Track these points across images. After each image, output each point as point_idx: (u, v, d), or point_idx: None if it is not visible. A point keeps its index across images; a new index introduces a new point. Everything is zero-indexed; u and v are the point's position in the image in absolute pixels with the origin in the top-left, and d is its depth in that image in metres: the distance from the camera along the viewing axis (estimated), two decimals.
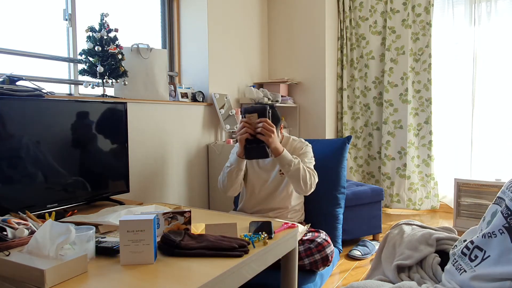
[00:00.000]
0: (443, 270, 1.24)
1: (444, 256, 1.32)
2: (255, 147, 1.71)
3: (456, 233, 1.43)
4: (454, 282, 1.11)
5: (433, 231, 1.39)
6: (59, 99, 1.95)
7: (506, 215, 1.03)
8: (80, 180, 1.75)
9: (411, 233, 1.39)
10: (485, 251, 1.05)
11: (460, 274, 1.09)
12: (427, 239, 1.34)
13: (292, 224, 1.46)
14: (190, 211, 1.28)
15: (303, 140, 2.02)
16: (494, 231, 1.05)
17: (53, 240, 1.02)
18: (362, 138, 3.93)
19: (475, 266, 1.06)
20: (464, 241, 1.17)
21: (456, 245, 1.22)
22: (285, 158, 1.75)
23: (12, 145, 1.48)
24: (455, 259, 1.14)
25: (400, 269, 1.29)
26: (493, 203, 1.14)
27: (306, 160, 1.89)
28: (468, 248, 1.10)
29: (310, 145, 2.00)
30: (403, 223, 1.47)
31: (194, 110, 2.91)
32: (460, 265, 1.11)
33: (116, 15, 2.55)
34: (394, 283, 1.20)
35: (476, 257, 1.07)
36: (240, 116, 3.19)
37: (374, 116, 3.85)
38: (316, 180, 1.84)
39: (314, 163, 1.95)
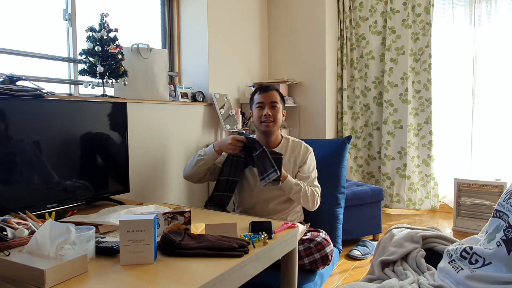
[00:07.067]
0: (434, 266, 1.26)
1: (433, 254, 1.34)
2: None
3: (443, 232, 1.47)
4: (449, 280, 1.11)
5: (420, 230, 1.43)
6: (59, 99, 1.95)
7: (505, 227, 1.04)
8: (80, 180, 1.75)
9: (399, 234, 1.42)
10: (484, 259, 1.05)
11: (457, 272, 1.09)
12: (412, 237, 1.38)
13: (292, 224, 1.46)
14: (190, 211, 1.28)
15: (306, 144, 1.99)
16: (492, 244, 1.06)
17: (53, 240, 1.02)
18: (362, 138, 3.93)
19: (474, 268, 1.07)
20: (463, 244, 1.18)
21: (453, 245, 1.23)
22: (287, 185, 1.82)
23: (12, 145, 1.48)
24: (453, 260, 1.14)
25: (385, 264, 1.33)
26: (493, 217, 1.13)
27: (312, 176, 1.92)
28: (467, 253, 1.11)
29: (312, 150, 1.99)
30: (393, 228, 1.50)
31: (194, 110, 2.91)
32: (459, 265, 1.11)
33: (116, 15, 2.55)
34: (382, 279, 1.22)
35: (476, 261, 1.07)
36: (240, 116, 3.21)
37: (374, 116, 3.85)
38: (319, 200, 1.90)
39: (316, 173, 1.97)
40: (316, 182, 1.92)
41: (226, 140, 1.81)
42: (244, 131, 3.11)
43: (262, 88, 1.96)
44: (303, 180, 1.87)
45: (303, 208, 2.01)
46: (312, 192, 1.84)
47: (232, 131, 3.10)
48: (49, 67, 2.29)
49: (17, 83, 1.69)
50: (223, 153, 1.89)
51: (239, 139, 1.79)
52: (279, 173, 1.72)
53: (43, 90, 1.73)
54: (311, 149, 1.99)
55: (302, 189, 1.81)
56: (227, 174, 1.87)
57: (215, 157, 1.87)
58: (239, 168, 1.87)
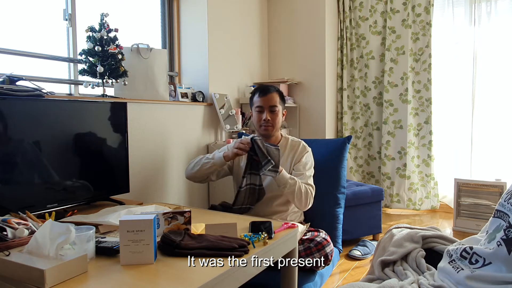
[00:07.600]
0: (434, 266, 1.26)
1: (433, 254, 1.34)
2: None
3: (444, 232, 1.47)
4: (449, 280, 1.11)
5: (420, 230, 1.43)
6: (59, 99, 1.95)
7: (506, 227, 1.04)
8: (80, 180, 1.75)
9: (399, 234, 1.42)
10: (484, 259, 1.05)
11: (457, 272, 1.09)
12: (412, 237, 1.38)
13: (292, 224, 1.46)
14: (190, 211, 1.28)
15: (304, 144, 1.99)
16: (492, 244, 1.06)
17: (53, 240, 1.01)
18: (362, 138, 3.93)
19: (474, 268, 1.07)
20: (463, 244, 1.17)
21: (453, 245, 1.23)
22: (281, 179, 1.77)
23: (12, 145, 1.48)
24: (453, 260, 1.14)
25: (385, 264, 1.33)
26: (494, 217, 1.13)
27: (306, 174, 1.89)
28: (467, 253, 1.11)
29: (310, 150, 1.99)
30: (393, 228, 1.50)
31: (194, 110, 2.91)
32: (459, 265, 1.11)
33: (116, 15, 2.55)
34: (382, 279, 1.22)
35: (476, 261, 1.07)
36: (240, 116, 3.21)
37: (374, 116, 3.85)
38: (312, 199, 1.86)
39: (313, 172, 1.96)
40: (310, 181, 1.89)
41: (231, 145, 1.83)
42: (244, 131, 3.11)
43: (262, 89, 1.94)
44: (297, 177, 1.86)
45: None
46: (306, 190, 1.81)
47: (232, 131, 3.10)
48: (49, 67, 2.29)
49: (17, 83, 1.69)
50: (229, 162, 1.91)
51: (243, 148, 1.75)
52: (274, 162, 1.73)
53: (43, 90, 1.73)
54: (309, 149, 1.99)
55: (296, 184, 1.78)
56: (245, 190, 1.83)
57: (222, 163, 1.88)
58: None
